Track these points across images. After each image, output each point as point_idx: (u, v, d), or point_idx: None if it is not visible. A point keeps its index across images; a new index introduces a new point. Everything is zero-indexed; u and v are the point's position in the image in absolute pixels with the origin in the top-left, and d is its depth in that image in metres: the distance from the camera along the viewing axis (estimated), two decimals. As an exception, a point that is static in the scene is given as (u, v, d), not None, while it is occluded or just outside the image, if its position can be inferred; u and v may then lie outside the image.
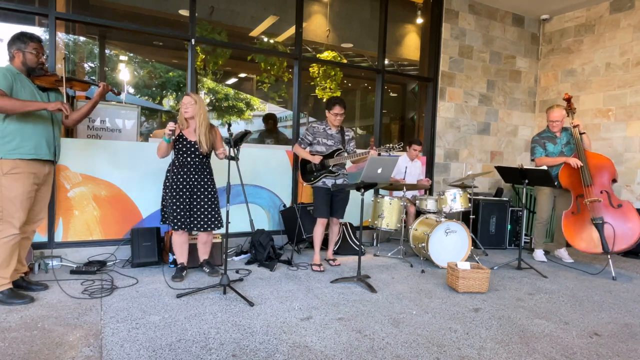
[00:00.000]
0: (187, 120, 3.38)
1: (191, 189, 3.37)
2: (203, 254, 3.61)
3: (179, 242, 3.46)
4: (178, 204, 3.32)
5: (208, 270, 3.55)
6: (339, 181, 3.88)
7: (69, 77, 2.97)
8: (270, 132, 5.90)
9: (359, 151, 3.93)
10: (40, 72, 2.83)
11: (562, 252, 4.66)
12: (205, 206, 3.41)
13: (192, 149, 3.35)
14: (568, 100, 4.45)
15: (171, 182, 3.34)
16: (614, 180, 4.16)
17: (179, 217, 3.33)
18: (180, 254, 3.49)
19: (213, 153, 3.51)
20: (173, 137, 3.30)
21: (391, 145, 3.61)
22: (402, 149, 3.69)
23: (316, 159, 3.80)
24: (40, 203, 2.96)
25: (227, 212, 3.04)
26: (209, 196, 3.42)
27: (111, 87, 3.14)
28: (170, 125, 3.23)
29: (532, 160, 4.61)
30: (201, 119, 3.34)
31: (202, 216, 3.41)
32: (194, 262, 3.68)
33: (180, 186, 3.34)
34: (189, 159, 3.36)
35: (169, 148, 3.32)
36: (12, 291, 2.78)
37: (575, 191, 4.25)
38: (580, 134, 4.27)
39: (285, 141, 5.72)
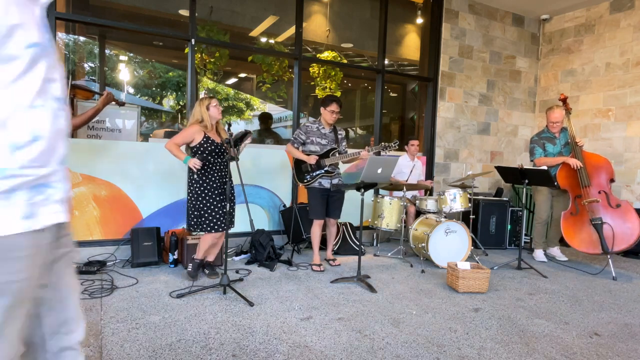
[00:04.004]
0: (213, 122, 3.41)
1: (222, 189, 3.38)
2: (212, 255, 3.58)
3: (211, 243, 3.44)
4: (220, 205, 3.32)
5: (208, 272, 3.52)
6: (335, 181, 3.85)
7: (74, 83, 2.89)
8: (265, 131, 5.95)
9: (350, 151, 3.91)
10: None
11: (555, 251, 4.68)
12: (233, 205, 3.47)
13: (218, 150, 3.35)
14: (564, 100, 4.47)
15: (205, 185, 3.31)
16: (612, 180, 4.16)
17: (218, 217, 3.32)
18: (205, 252, 3.47)
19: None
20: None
21: (387, 144, 3.60)
22: (398, 147, 3.68)
23: (312, 160, 3.76)
24: None
25: (227, 212, 3.04)
26: (232, 197, 3.47)
27: (115, 98, 3.07)
28: (198, 163, 3.22)
29: (532, 161, 4.61)
30: (222, 121, 3.42)
31: (231, 215, 3.43)
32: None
33: (218, 187, 3.34)
34: (218, 160, 3.37)
35: None
36: None
37: (573, 192, 4.25)
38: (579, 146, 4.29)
39: (278, 140, 5.74)
